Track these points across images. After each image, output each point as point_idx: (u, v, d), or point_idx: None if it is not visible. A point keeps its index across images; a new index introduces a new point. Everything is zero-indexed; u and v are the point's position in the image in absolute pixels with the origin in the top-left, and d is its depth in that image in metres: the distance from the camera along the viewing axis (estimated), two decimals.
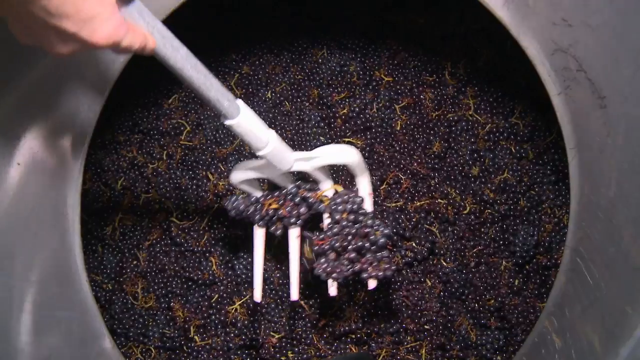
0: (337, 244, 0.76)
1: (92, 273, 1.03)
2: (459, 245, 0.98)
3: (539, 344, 0.81)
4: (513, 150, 1.00)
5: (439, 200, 0.99)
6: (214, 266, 1.01)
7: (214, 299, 1.00)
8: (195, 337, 1.00)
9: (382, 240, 0.76)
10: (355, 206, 0.78)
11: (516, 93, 1.02)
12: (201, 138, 1.08)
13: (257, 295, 0.85)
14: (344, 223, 0.77)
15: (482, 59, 1.04)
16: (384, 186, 1.00)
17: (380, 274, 0.77)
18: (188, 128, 1.08)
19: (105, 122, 1.06)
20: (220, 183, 1.03)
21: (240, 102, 0.64)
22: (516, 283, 0.98)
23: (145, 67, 0.82)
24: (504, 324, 0.97)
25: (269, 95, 1.07)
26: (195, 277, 1.01)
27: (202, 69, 0.59)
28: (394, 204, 0.99)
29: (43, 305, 0.56)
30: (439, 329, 0.97)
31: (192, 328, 0.99)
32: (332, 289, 0.81)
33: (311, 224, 0.85)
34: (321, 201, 0.80)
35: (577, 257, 0.67)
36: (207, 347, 0.99)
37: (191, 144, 1.08)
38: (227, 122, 0.63)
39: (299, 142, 1.04)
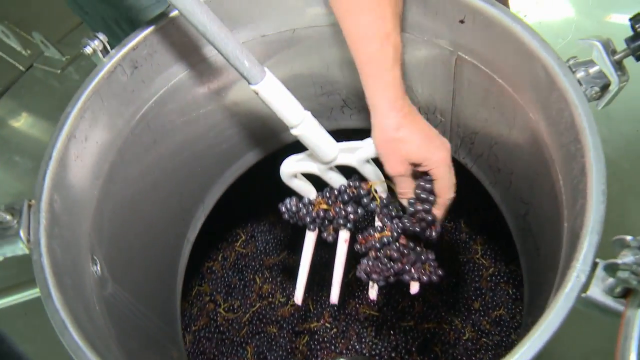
0: (378, 238, 0.76)
1: None
2: None
3: None
4: (510, 292, 1.33)
5: (444, 325, 1.31)
6: (249, 354, 1.32)
7: None
8: None
9: (434, 233, 0.74)
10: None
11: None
12: (253, 247, 1.45)
13: (299, 298, 0.86)
14: (391, 214, 0.77)
15: (492, 215, 1.41)
16: (399, 307, 1.34)
17: (425, 277, 0.75)
18: (243, 237, 1.46)
19: None
20: (265, 286, 1.38)
21: (266, 69, 0.64)
22: None
23: None
24: None
25: None
26: None
27: (217, 19, 0.60)
28: (405, 323, 1.32)
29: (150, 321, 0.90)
30: None
31: None
32: (372, 292, 0.80)
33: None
34: (372, 199, 0.80)
35: None
36: None
37: (244, 250, 1.44)
38: (251, 87, 0.64)
39: None
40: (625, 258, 0.51)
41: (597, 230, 0.58)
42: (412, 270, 0.75)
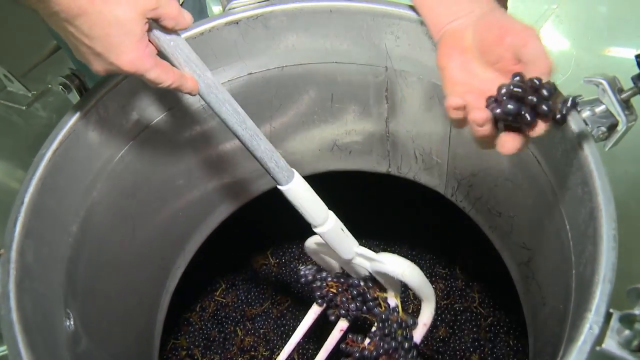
0: (361, 348, 0.82)
1: None
2: None
3: None
4: (511, 343, 1.33)
5: None
6: None
7: None
8: None
9: (407, 344, 0.81)
10: (402, 324, 0.83)
11: (517, 294, 1.38)
12: (233, 297, 1.43)
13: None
14: (384, 332, 0.83)
15: (491, 260, 1.42)
16: None
17: None
18: (223, 286, 1.44)
19: None
20: (247, 339, 1.36)
21: (295, 171, 0.70)
22: None
23: None
24: None
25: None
26: None
27: (250, 126, 0.66)
28: None
29: None
30: None
31: None
32: None
33: None
34: (379, 304, 0.86)
35: None
36: None
37: (224, 300, 1.43)
38: (280, 188, 0.70)
39: None
40: None
41: (610, 279, 0.58)
42: None
